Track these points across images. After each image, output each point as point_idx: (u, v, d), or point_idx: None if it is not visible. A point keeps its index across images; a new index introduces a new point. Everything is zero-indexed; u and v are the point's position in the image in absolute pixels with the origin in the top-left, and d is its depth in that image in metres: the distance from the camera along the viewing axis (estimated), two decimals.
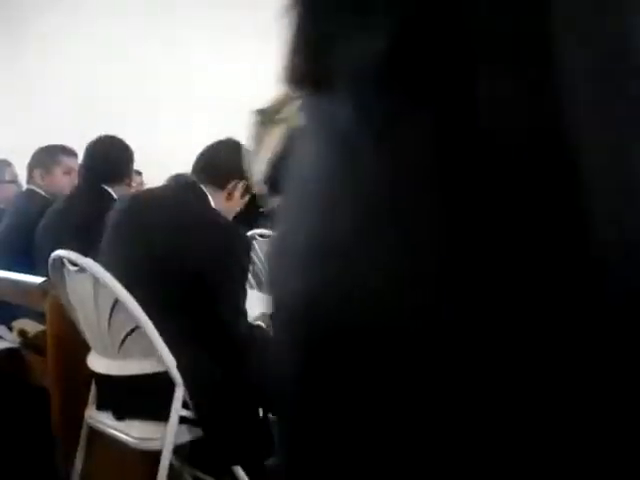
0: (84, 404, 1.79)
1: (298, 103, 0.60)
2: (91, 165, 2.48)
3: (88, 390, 1.78)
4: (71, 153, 2.83)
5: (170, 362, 1.54)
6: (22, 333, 2.26)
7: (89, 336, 1.70)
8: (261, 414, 1.75)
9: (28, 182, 2.87)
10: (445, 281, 0.42)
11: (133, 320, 1.53)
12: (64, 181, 2.77)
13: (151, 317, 1.51)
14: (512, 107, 0.41)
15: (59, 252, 1.64)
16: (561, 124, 0.41)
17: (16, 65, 5.14)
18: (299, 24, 0.48)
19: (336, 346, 0.44)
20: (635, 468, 0.42)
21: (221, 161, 1.90)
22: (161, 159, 3.93)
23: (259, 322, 1.95)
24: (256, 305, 1.87)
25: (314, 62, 0.48)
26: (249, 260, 1.87)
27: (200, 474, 1.91)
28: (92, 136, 2.53)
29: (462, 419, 0.42)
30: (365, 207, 0.44)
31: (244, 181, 1.89)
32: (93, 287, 1.54)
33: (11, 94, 4.99)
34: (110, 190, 2.42)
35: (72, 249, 1.62)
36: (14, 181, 3.46)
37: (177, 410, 1.57)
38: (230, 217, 1.91)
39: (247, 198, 1.96)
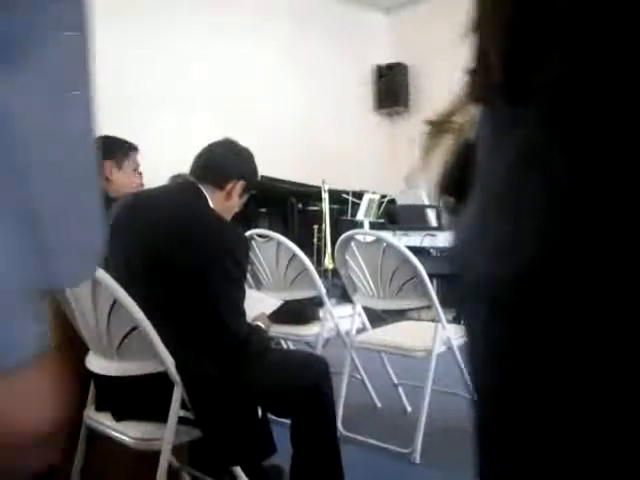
0: (83, 405, 1.79)
1: (469, 115, 0.70)
2: None
3: (87, 391, 1.78)
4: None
5: (169, 362, 1.54)
6: None
7: (87, 337, 1.69)
8: (260, 414, 1.75)
9: None
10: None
11: (131, 321, 1.53)
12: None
13: (149, 317, 1.51)
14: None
15: None
16: None
17: None
18: (485, 44, 0.55)
19: (544, 308, 0.51)
20: None
21: (220, 161, 1.90)
22: (161, 159, 3.92)
23: (258, 322, 1.95)
24: (255, 305, 1.87)
25: (508, 80, 0.53)
26: (248, 260, 1.87)
27: (199, 474, 1.91)
28: None
29: None
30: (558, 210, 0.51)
31: (242, 181, 1.89)
32: (91, 287, 1.54)
33: None
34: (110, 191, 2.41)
35: None
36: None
37: (176, 410, 1.57)
38: (229, 217, 1.91)
39: (245, 198, 1.96)
